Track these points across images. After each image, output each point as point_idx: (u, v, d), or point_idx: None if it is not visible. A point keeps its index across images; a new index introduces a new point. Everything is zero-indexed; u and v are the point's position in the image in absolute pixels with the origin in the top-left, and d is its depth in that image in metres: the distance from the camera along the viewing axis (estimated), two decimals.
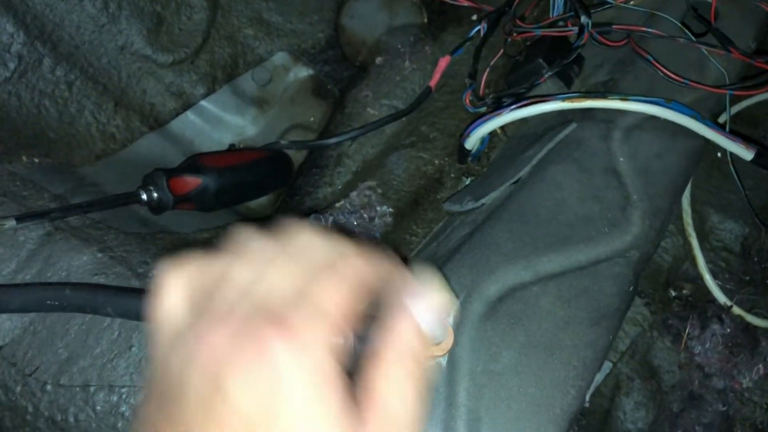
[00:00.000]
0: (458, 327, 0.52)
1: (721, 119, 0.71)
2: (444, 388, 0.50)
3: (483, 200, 0.65)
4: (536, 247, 0.57)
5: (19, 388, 0.55)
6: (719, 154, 0.81)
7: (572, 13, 0.73)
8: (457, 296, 0.54)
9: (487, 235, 0.58)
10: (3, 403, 0.55)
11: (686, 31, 0.72)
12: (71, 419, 0.55)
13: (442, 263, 0.58)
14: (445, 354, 0.50)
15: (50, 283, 0.57)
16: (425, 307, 0.35)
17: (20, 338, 0.56)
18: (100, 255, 0.59)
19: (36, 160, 0.68)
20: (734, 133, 0.63)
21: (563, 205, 0.59)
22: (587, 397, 0.52)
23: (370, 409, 0.32)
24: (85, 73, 0.76)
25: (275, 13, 0.90)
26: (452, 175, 0.81)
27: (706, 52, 0.70)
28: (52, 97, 0.73)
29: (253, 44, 0.89)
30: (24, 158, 0.68)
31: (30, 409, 0.55)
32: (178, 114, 0.84)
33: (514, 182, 0.64)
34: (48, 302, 0.52)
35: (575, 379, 0.51)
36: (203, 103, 0.86)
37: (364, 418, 0.31)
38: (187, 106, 0.85)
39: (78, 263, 0.59)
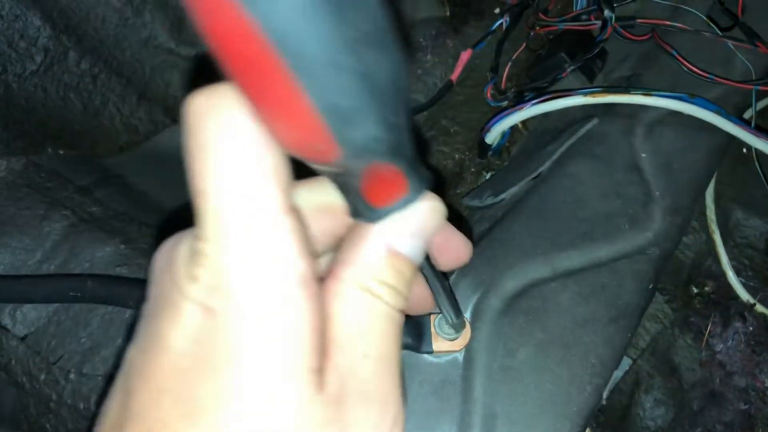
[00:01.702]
0: (475, 322, 0.52)
1: (747, 115, 0.70)
2: (460, 384, 0.50)
3: (503, 195, 0.65)
4: (555, 243, 0.56)
5: (43, 376, 0.56)
6: (744, 150, 0.80)
7: (595, 7, 0.72)
8: (475, 292, 0.54)
9: (506, 231, 0.58)
10: (27, 391, 0.56)
11: (712, 25, 0.71)
12: (93, 407, 0.56)
13: None
14: (462, 349, 0.51)
15: (73, 275, 0.58)
16: (404, 222, 0.30)
17: (45, 328, 0.57)
18: (123, 246, 0.60)
19: (61, 151, 0.69)
20: (760, 129, 0.62)
21: (584, 201, 0.59)
22: (605, 395, 0.51)
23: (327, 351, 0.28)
24: (109, 66, 0.76)
25: None
26: (472, 170, 0.81)
27: (732, 47, 0.69)
28: (77, 89, 0.74)
29: None
30: (49, 150, 0.69)
31: (54, 396, 0.56)
32: None
33: (535, 177, 0.64)
34: (71, 293, 0.53)
35: (592, 376, 0.51)
36: None
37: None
38: None
39: (101, 254, 0.59)
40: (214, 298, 0.26)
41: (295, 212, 0.27)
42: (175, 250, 0.29)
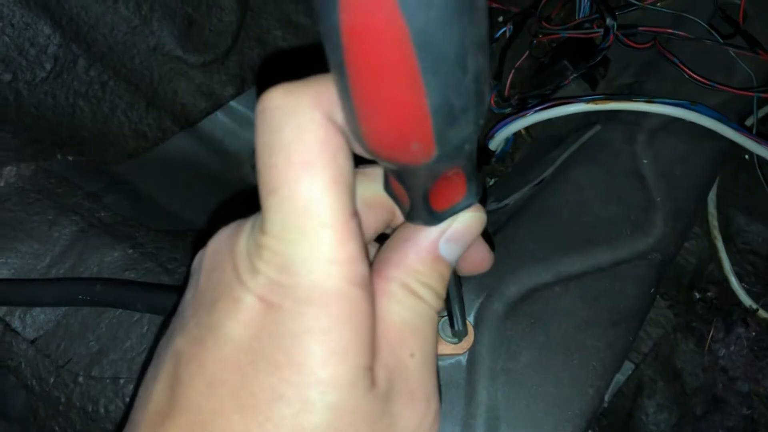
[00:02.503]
0: (479, 326, 0.53)
1: (749, 122, 0.70)
2: (464, 386, 0.51)
3: (506, 201, 0.66)
4: (558, 248, 0.57)
5: (52, 379, 0.57)
6: (747, 157, 0.80)
7: (598, 15, 0.73)
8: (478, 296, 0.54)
9: (509, 236, 0.59)
10: (37, 394, 0.57)
11: (713, 32, 0.71)
12: (102, 410, 0.56)
13: None
14: (465, 352, 0.51)
15: (82, 279, 0.58)
16: (452, 228, 0.31)
17: (54, 331, 0.58)
18: (131, 251, 0.61)
19: (70, 158, 0.70)
20: (761, 136, 0.63)
21: (586, 207, 0.60)
22: (607, 398, 0.52)
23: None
24: (118, 73, 0.77)
25: (304, 15, 0.91)
26: None
27: (733, 54, 0.70)
28: (86, 97, 0.75)
29: (282, 46, 0.90)
30: (59, 156, 0.69)
31: (63, 399, 0.57)
32: (208, 114, 0.86)
33: (538, 183, 0.64)
34: (80, 297, 0.54)
35: (594, 379, 0.51)
36: (232, 103, 0.87)
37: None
38: (217, 106, 0.86)
39: (110, 259, 0.60)
40: (276, 294, 0.27)
41: (358, 215, 0.28)
42: (234, 241, 0.30)
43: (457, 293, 0.39)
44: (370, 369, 0.28)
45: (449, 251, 0.32)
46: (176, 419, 0.28)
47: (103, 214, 0.64)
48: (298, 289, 0.27)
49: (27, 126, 0.71)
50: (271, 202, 0.27)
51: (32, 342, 0.57)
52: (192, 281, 0.33)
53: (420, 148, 0.25)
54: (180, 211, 0.72)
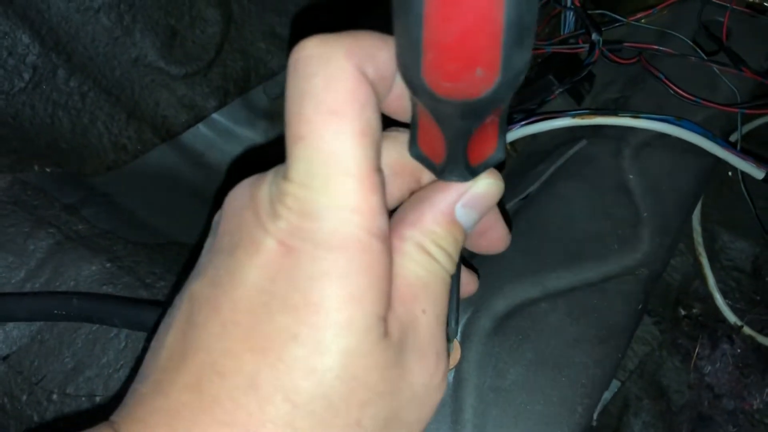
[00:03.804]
0: (465, 342, 0.52)
1: (733, 138, 0.70)
2: (450, 404, 0.50)
3: None
4: (545, 264, 0.56)
5: (25, 397, 0.55)
6: (730, 174, 0.81)
7: (583, 31, 0.73)
8: (465, 311, 0.53)
9: None
10: (8, 412, 0.55)
11: (698, 49, 0.72)
12: (74, 430, 0.55)
13: None
14: (451, 369, 0.50)
15: (58, 293, 0.57)
16: (469, 193, 0.32)
17: (28, 347, 0.56)
18: (108, 265, 0.60)
19: (48, 169, 0.69)
20: (746, 152, 0.63)
21: (573, 222, 0.59)
22: (595, 416, 0.51)
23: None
24: (98, 84, 0.76)
25: (288, 27, 0.90)
26: None
27: (717, 71, 0.70)
28: (65, 107, 0.74)
29: (266, 58, 0.90)
30: (36, 167, 0.68)
31: (35, 418, 0.55)
32: (189, 126, 0.84)
33: (524, 198, 0.64)
34: (55, 311, 0.52)
35: (583, 396, 0.50)
36: (215, 116, 0.86)
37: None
38: (199, 118, 0.85)
39: (87, 273, 0.59)
40: (296, 238, 0.27)
41: (381, 171, 0.29)
42: (255, 189, 0.30)
43: (456, 289, 0.39)
44: (384, 319, 0.29)
45: (465, 216, 0.32)
46: (188, 362, 0.28)
47: (80, 227, 0.62)
48: (319, 233, 0.27)
49: (4, 136, 0.69)
50: (296, 149, 0.27)
51: (4, 358, 0.55)
52: (212, 231, 0.33)
53: (484, 74, 0.24)
54: (159, 224, 0.71)
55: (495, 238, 0.39)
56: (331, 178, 0.27)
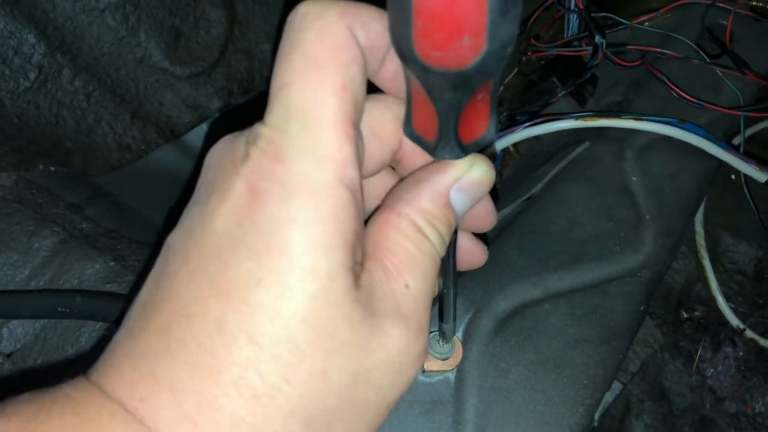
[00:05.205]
0: (467, 342, 0.52)
1: (736, 141, 0.71)
2: (452, 404, 0.50)
3: None
4: (547, 265, 0.56)
5: None
6: (733, 177, 0.81)
7: (587, 33, 0.73)
8: (467, 312, 0.54)
9: (498, 252, 0.58)
10: None
11: (701, 52, 0.72)
12: None
13: None
14: (453, 369, 0.50)
15: (62, 290, 0.57)
16: (464, 178, 0.32)
17: (32, 344, 0.56)
18: (112, 263, 0.60)
19: (52, 168, 0.69)
20: (748, 155, 0.63)
21: (575, 223, 0.59)
22: (596, 416, 0.51)
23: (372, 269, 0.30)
24: (103, 84, 0.76)
25: None
26: None
27: (720, 74, 0.70)
28: (70, 107, 0.74)
29: (270, 59, 0.90)
30: (41, 166, 0.68)
31: None
32: (193, 126, 0.85)
33: (527, 199, 0.64)
34: (59, 309, 0.52)
35: (584, 397, 0.50)
36: (218, 116, 0.86)
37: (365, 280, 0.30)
38: (203, 118, 0.85)
39: (90, 271, 0.59)
40: (265, 180, 0.28)
41: (359, 130, 0.29)
42: (235, 139, 0.30)
43: (453, 283, 0.39)
44: (352, 270, 0.29)
45: (459, 201, 0.33)
46: (157, 310, 0.29)
47: (84, 226, 0.63)
48: (288, 176, 0.27)
49: (9, 135, 0.69)
50: (278, 95, 0.28)
51: (8, 356, 0.56)
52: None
53: (471, 42, 0.25)
54: (163, 224, 0.71)
55: (482, 213, 0.39)
56: (308, 124, 0.27)
